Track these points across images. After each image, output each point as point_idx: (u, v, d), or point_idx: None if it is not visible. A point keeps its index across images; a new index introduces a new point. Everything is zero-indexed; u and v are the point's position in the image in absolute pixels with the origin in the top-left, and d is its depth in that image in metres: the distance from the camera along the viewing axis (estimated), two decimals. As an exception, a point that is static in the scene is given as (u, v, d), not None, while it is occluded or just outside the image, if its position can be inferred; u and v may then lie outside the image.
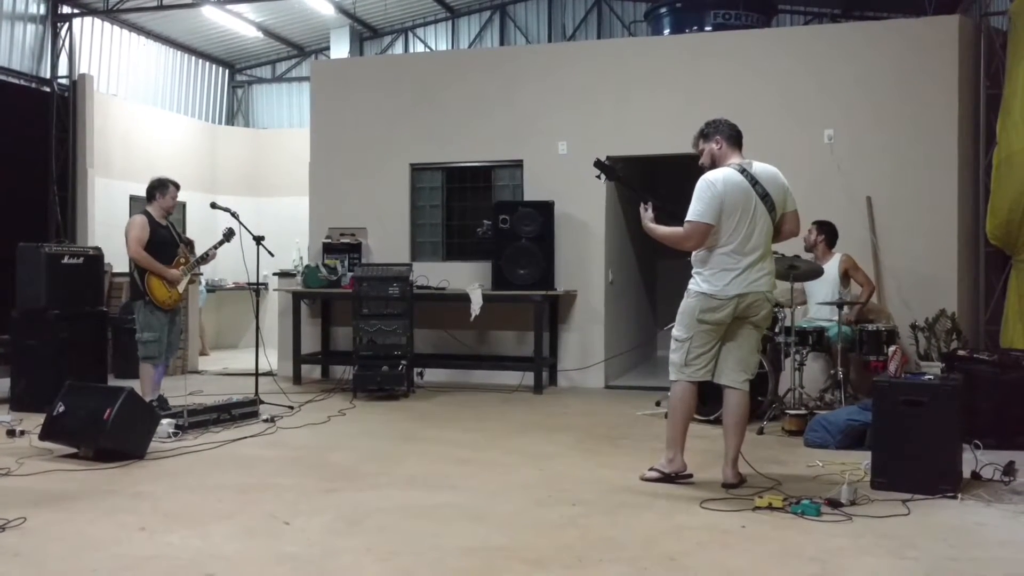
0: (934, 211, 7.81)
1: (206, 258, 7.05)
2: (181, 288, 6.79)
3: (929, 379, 4.83)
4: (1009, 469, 4.67)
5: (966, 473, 4.70)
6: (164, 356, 6.81)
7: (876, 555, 3.58)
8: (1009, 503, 4.36)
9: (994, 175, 7.60)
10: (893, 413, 4.61)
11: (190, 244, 7.46)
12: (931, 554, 3.59)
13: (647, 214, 4.76)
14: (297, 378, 8.93)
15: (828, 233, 7.23)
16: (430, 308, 8.84)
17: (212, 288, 12.21)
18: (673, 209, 4.80)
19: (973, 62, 8.01)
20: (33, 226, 10.80)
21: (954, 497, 4.38)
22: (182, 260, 6.83)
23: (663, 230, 4.72)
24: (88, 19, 12.38)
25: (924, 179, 7.85)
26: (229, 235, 6.89)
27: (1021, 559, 3.55)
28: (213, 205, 7.41)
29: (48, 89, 11.60)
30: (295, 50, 15.61)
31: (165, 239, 6.78)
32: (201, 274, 9.29)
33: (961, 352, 6.37)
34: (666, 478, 4.71)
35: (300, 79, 15.44)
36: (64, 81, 11.76)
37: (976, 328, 7.98)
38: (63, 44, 11.92)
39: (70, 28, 12.01)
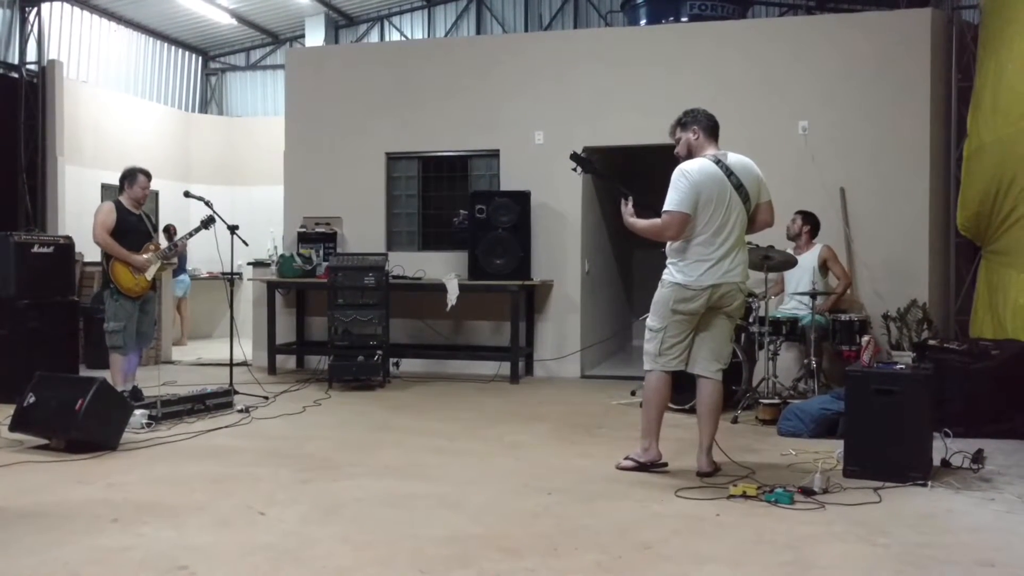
0: (906, 202, 7.90)
1: (176, 248, 6.97)
2: (150, 276, 6.69)
3: (900, 368, 4.88)
4: (978, 457, 4.74)
5: (936, 461, 4.76)
6: (135, 345, 6.74)
7: (848, 542, 3.62)
8: (978, 490, 4.43)
9: (965, 167, 7.69)
10: (865, 402, 4.66)
11: (169, 231, 7.37)
12: (902, 540, 3.64)
13: (627, 208, 4.78)
14: (272, 368, 8.87)
15: (812, 224, 7.34)
16: (406, 298, 8.81)
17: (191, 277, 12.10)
18: (651, 202, 4.82)
19: (945, 55, 8.09)
20: (1, 214, 10.65)
21: (924, 485, 4.44)
22: (152, 248, 6.75)
23: (643, 223, 4.73)
24: (57, 4, 12.18)
25: (897, 171, 7.93)
26: (208, 222, 6.78)
27: (989, 544, 3.61)
28: (187, 194, 7.31)
29: (16, 75, 11.42)
30: (269, 38, 15.47)
31: (134, 227, 6.69)
32: (174, 263, 9.19)
33: (932, 342, 6.46)
34: (641, 467, 4.74)
35: (275, 67, 15.31)
36: (33, 67, 11.57)
37: (946, 318, 8.08)
38: (31, 29, 11.72)
39: (39, 13, 11.82)
